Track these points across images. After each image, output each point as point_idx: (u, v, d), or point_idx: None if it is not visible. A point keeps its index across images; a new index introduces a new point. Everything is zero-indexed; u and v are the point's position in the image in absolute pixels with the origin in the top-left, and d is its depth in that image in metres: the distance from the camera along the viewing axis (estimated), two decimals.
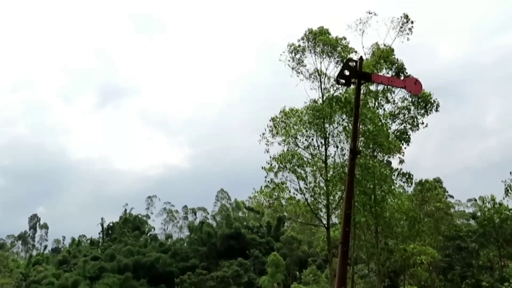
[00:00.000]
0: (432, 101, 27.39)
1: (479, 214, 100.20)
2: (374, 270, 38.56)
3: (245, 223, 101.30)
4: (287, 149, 23.78)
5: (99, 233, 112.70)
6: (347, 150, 22.98)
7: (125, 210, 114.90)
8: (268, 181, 23.51)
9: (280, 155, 23.53)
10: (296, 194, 24.07)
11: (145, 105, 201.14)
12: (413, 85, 10.00)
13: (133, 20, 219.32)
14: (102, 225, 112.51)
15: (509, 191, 42.71)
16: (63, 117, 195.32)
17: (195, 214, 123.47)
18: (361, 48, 27.12)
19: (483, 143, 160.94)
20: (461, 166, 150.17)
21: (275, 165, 23.37)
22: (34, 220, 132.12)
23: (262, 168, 23.64)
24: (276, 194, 23.46)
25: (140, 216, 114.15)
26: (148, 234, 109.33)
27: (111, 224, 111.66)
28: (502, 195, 41.22)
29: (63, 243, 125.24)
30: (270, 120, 24.67)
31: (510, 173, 44.10)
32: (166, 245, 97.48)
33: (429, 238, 33.06)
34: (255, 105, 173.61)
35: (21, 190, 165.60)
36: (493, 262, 69.74)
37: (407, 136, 26.42)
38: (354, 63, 9.83)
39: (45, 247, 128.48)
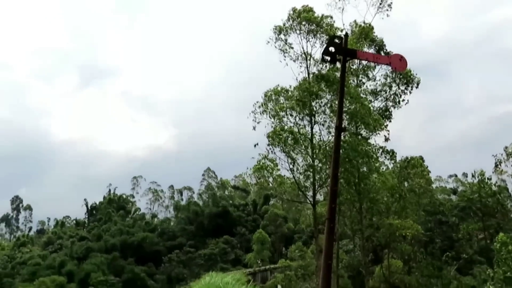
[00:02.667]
0: (413, 78, 27.64)
1: (460, 189, 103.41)
2: (359, 245, 39.51)
3: (231, 201, 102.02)
4: (276, 126, 23.97)
5: (85, 214, 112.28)
6: (333, 128, 23.18)
7: (109, 190, 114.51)
8: (263, 156, 23.74)
9: (273, 132, 23.73)
10: (285, 171, 24.38)
11: (128, 86, 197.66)
12: (398, 62, 9.99)
13: None
14: (86, 205, 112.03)
15: (499, 166, 43.86)
16: (43, 99, 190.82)
17: (181, 194, 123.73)
18: (341, 26, 27.17)
19: (463, 121, 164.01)
20: (441, 144, 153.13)
21: (270, 141, 23.65)
22: (16, 202, 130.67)
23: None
24: (269, 170, 23.72)
25: (124, 196, 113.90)
26: (135, 214, 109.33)
27: (95, 205, 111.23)
28: (492, 169, 42.39)
29: (48, 224, 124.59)
30: (263, 95, 24.88)
31: (504, 148, 45.35)
32: (153, 224, 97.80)
33: (412, 213, 33.93)
34: (239, 86, 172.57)
35: (2, 172, 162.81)
36: (472, 235, 72.32)
37: (389, 113, 26.75)
38: (339, 40, 9.78)
39: (30, 228, 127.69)
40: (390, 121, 26.96)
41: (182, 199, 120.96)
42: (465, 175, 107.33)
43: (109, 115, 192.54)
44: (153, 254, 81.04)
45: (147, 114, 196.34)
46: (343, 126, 9.76)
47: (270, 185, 26.19)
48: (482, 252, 66.13)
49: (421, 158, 35.18)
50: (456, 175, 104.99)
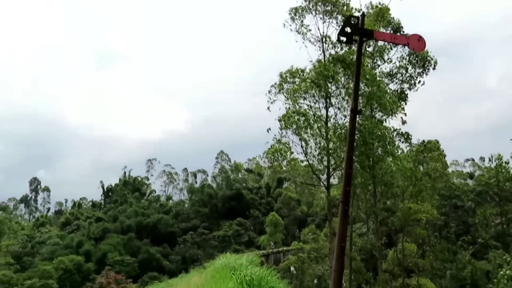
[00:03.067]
0: (430, 59, 26.96)
1: (477, 173, 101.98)
2: (372, 228, 39.43)
3: (244, 184, 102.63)
4: (289, 108, 23.77)
5: (101, 195, 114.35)
6: (348, 110, 22.94)
7: (125, 172, 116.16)
8: (276, 140, 23.57)
9: (285, 115, 23.47)
10: (298, 155, 24.23)
11: (143, 70, 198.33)
12: (416, 42, 9.68)
13: None
14: (102, 187, 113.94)
15: None
16: (59, 84, 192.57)
17: (195, 177, 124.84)
18: (358, 6, 26.63)
19: (482, 105, 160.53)
20: (458, 128, 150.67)
21: (282, 124, 23.48)
22: (34, 184, 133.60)
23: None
24: (282, 154, 23.59)
25: (139, 178, 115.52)
26: (150, 196, 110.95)
27: (111, 187, 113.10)
28: (510, 153, 41.47)
29: (65, 205, 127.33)
30: (278, 76, 24.65)
31: None
32: (167, 206, 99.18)
33: (428, 197, 33.63)
34: (254, 70, 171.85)
35: (20, 155, 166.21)
36: (488, 220, 71.65)
37: (404, 96, 26.16)
38: (356, 20, 9.50)
39: (48, 209, 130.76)
40: (406, 104, 26.54)
41: (196, 182, 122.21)
42: (482, 159, 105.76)
43: (124, 99, 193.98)
44: (168, 235, 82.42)
45: (162, 97, 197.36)
46: (358, 108, 9.52)
47: (284, 168, 26.15)
48: (498, 237, 65.64)
49: (437, 141, 34.54)
50: (473, 159, 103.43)
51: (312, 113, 23.84)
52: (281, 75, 25.10)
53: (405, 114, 23.74)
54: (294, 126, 22.95)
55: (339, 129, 23.23)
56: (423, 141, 31.49)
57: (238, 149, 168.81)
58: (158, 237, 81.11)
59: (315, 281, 44.51)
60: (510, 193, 76.27)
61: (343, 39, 9.71)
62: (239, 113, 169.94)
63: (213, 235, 75.63)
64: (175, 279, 27.51)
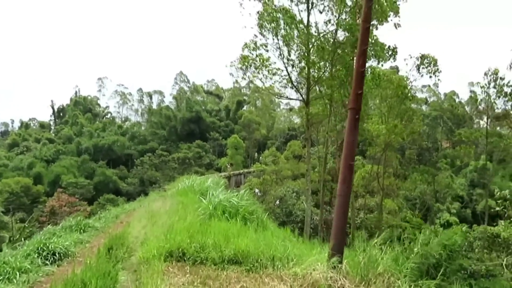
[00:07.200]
0: None
1: (431, 99, 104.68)
2: (331, 151, 38.97)
3: (204, 107, 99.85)
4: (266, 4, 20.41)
5: (51, 116, 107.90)
6: (332, 16, 20.33)
7: (76, 92, 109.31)
8: (253, 42, 20.47)
9: (262, 11, 20.21)
10: (275, 64, 21.33)
11: None
12: None
13: None
14: (52, 107, 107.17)
15: None
16: None
17: (151, 98, 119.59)
18: None
19: None
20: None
21: (259, 22, 20.17)
22: None
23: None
24: (259, 61, 20.60)
25: (90, 97, 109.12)
26: (103, 118, 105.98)
27: (62, 107, 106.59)
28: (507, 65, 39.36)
29: (12, 126, 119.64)
30: None
31: None
32: (123, 128, 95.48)
33: (417, 119, 33.01)
34: None
35: None
36: (440, 143, 75.11)
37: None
38: None
39: None
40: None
41: (152, 103, 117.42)
42: (436, 85, 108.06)
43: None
44: (125, 157, 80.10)
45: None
46: None
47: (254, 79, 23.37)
48: (448, 160, 69.61)
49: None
50: (429, 86, 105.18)
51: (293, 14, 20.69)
52: None
53: (399, 17, 21.08)
54: (273, 25, 19.81)
55: (320, 38, 20.57)
56: (422, 55, 29.46)
57: (196, 70, 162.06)
58: (115, 160, 78.66)
59: (277, 202, 44.65)
60: (462, 117, 79.25)
61: None
62: (200, 33, 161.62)
63: (172, 157, 73.97)
64: (133, 203, 25.37)
